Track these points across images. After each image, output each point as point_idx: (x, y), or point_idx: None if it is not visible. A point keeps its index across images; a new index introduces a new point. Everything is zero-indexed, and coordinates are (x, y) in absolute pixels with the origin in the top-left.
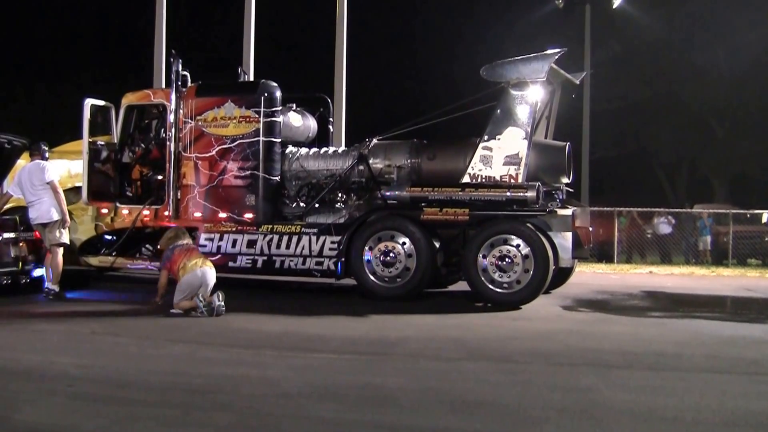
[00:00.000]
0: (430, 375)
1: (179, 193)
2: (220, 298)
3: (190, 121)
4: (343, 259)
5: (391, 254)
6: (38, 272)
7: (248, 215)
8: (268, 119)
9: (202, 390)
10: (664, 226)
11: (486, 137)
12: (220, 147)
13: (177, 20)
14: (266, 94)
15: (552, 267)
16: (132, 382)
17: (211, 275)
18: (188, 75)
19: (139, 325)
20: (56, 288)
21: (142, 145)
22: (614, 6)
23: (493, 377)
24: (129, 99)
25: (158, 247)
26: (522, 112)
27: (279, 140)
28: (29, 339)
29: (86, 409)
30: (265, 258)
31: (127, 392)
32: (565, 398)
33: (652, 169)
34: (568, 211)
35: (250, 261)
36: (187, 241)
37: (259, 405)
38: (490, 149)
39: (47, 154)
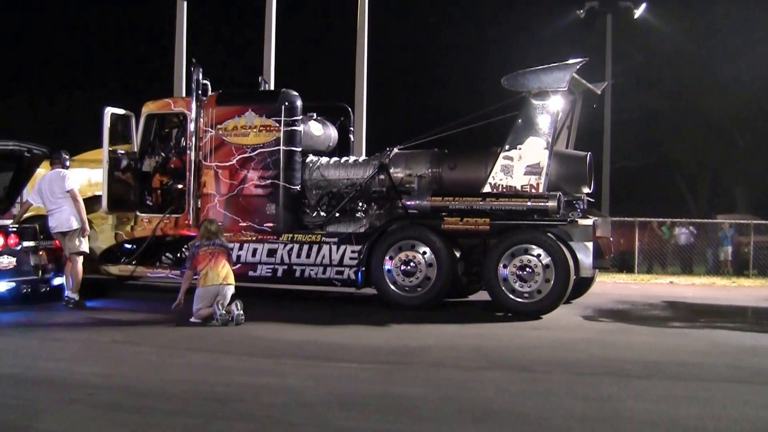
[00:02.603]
0: (451, 384)
1: (199, 202)
2: (239, 307)
3: (210, 129)
4: (363, 269)
5: (412, 264)
6: (58, 281)
7: (269, 224)
8: (289, 128)
9: (223, 399)
10: (685, 236)
11: (507, 147)
12: (240, 156)
13: (198, 29)
14: (287, 103)
15: (573, 277)
16: (152, 390)
17: (228, 290)
18: (209, 84)
19: (159, 333)
20: (76, 296)
21: (163, 153)
22: (636, 16)
23: (513, 386)
24: (149, 107)
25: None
26: (543, 122)
27: (300, 149)
28: (49, 347)
29: (106, 418)
30: (286, 267)
31: (147, 401)
32: (586, 408)
33: (674, 180)
34: (589, 221)
35: (270, 270)
36: (217, 240)
37: (280, 414)
38: (511, 159)
39: (68, 163)
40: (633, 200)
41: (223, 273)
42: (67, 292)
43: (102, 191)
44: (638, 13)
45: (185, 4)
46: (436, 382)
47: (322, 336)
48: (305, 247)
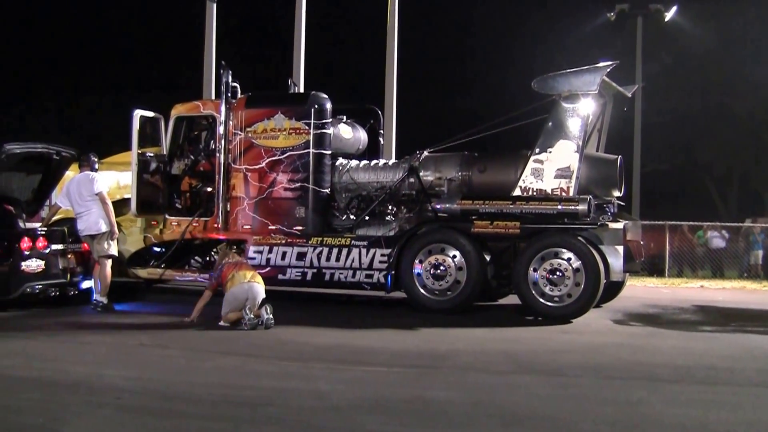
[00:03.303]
0: (480, 388)
1: (228, 205)
2: (269, 311)
3: (239, 132)
4: (393, 272)
5: (442, 267)
6: (86, 284)
7: (298, 227)
8: (318, 131)
9: (251, 403)
10: (716, 239)
11: (537, 150)
12: (269, 159)
13: (227, 32)
14: (316, 106)
15: (603, 281)
16: (180, 394)
17: (258, 289)
18: (238, 86)
19: (187, 337)
20: (104, 300)
21: (192, 156)
22: (666, 19)
23: (543, 391)
24: (178, 110)
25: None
26: (573, 125)
27: (329, 152)
28: (77, 351)
29: (134, 422)
30: (315, 271)
31: (175, 405)
32: (616, 412)
33: (703, 183)
34: (619, 225)
35: (299, 274)
36: (235, 258)
37: (309, 418)
38: (541, 162)
39: (96, 165)
40: (663, 203)
41: (249, 274)
42: (95, 296)
43: (131, 194)
44: (669, 15)
45: (214, 6)
46: (465, 386)
47: (351, 339)
48: (335, 251)
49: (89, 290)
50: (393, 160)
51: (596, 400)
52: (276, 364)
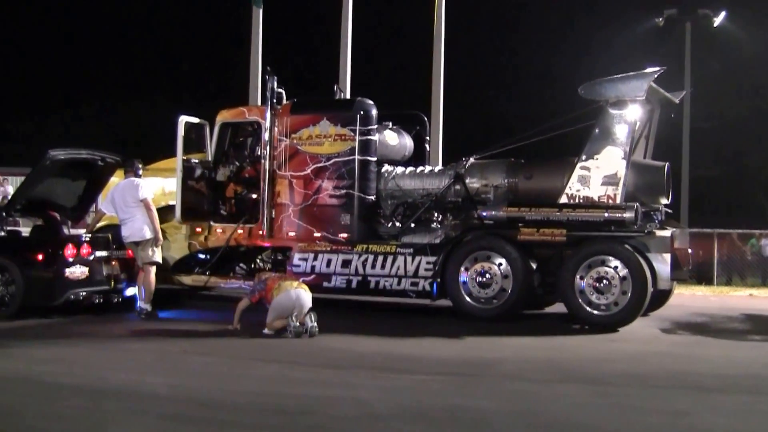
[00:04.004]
0: (524, 397)
1: (273, 212)
2: (313, 319)
3: (284, 138)
4: (438, 280)
5: (487, 275)
6: (130, 291)
7: (343, 234)
8: (364, 137)
9: (293, 411)
10: None
11: (584, 157)
12: (315, 165)
13: (273, 37)
14: (362, 112)
15: (650, 289)
16: (221, 402)
17: (305, 298)
18: (283, 92)
19: (231, 345)
20: (148, 307)
21: (237, 162)
22: (715, 24)
23: (587, 400)
24: (223, 116)
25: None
26: (620, 132)
27: (374, 159)
28: (120, 358)
29: (175, 430)
30: (360, 278)
31: (215, 413)
32: (660, 422)
33: (753, 189)
34: (666, 233)
35: (344, 281)
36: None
37: (350, 427)
38: (588, 169)
39: (141, 172)
40: (711, 210)
41: (296, 282)
42: (139, 303)
43: (175, 200)
44: (718, 21)
45: (261, 12)
46: (508, 395)
47: (395, 348)
48: (380, 258)
49: (133, 297)
50: (439, 167)
51: (640, 409)
52: (319, 372)
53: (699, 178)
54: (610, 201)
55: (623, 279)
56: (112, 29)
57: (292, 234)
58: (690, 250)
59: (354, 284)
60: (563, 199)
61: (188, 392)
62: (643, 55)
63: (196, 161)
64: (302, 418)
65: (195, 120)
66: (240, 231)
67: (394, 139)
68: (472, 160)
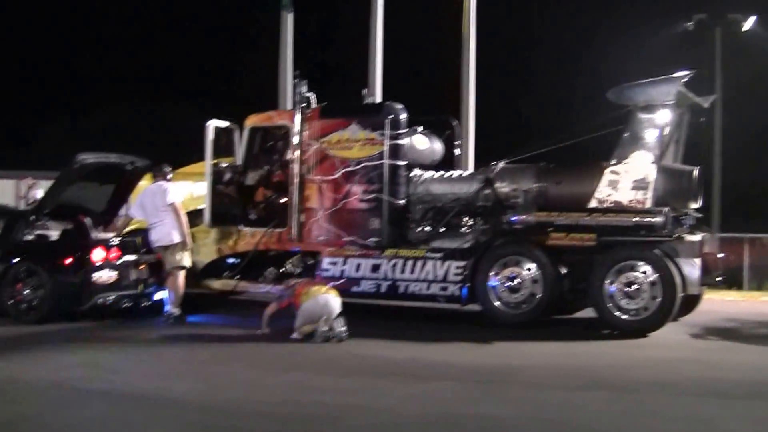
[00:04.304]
0: (552, 405)
1: (302, 216)
2: (342, 324)
3: (313, 143)
4: (468, 285)
5: (517, 280)
6: (159, 295)
7: (372, 239)
8: (393, 142)
9: (320, 419)
10: None
11: (613, 161)
12: (344, 169)
13: (303, 41)
14: (391, 116)
15: (680, 294)
16: (245, 409)
17: (334, 303)
18: (312, 96)
19: (259, 350)
20: (177, 311)
21: (266, 167)
22: (744, 29)
23: (616, 407)
24: (252, 120)
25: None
26: (650, 136)
27: (404, 163)
28: (147, 363)
29: None
30: (389, 283)
31: (239, 421)
32: (688, 429)
33: None
34: (696, 237)
35: (373, 286)
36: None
37: None
38: (618, 173)
39: (170, 176)
40: (744, 215)
41: (324, 288)
42: (168, 307)
43: (204, 205)
44: (747, 25)
45: (291, 16)
46: (536, 402)
47: (423, 353)
48: (409, 263)
49: (162, 301)
50: (468, 172)
51: (669, 416)
52: (346, 378)
53: (731, 182)
54: (640, 206)
55: (653, 284)
56: (145, 33)
57: (321, 238)
58: (720, 255)
59: (383, 289)
60: (593, 204)
61: (214, 399)
62: (672, 60)
63: (226, 165)
64: (328, 427)
65: (224, 124)
66: (269, 235)
67: (423, 144)
68: (501, 164)
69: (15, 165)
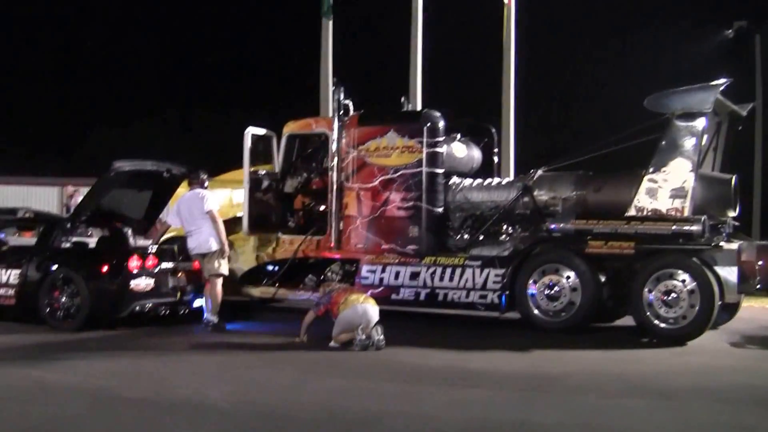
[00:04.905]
0: (591, 412)
1: (341, 224)
2: (380, 332)
3: (352, 150)
4: (507, 293)
5: (556, 288)
6: (197, 303)
7: (411, 247)
8: (431, 149)
9: (356, 425)
10: None
11: (651, 169)
12: (382, 177)
13: (343, 49)
14: (429, 124)
15: (718, 302)
16: (284, 417)
17: (373, 312)
18: (351, 103)
19: (297, 357)
20: (215, 319)
21: (304, 174)
22: None
23: (655, 415)
24: (290, 128)
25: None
26: (688, 144)
27: (442, 171)
28: (185, 371)
29: None
30: (428, 290)
31: (276, 427)
32: None
33: None
34: (734, 246)
35: (412, 293)
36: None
37: None
38: (656, 182)
39: (206, 183)
40: None
41: (362, 296)
42: (206, 315)
43: (243, 212)
44: None
45: (330, 23)
46: (575, 410)
47: (462, 361)
48: (448, 270)
49: (200, 309)
50: (507, 179)
51: (709, 424)
52: (384, 385)
53: None
54: (678, 214)
55: (691, 292)
56: (186, 41)
57: (360, 246)
58: (760, 263)
59: (422, 297)
60: (631, 212)
61: (250, 406)
62: (713, 68)
63: (264, 173)
64: (369, 431)
65: (262, 131)
66: (308, 243)
67: (462, 151)
68: (540, 172)
69: (59, 172)
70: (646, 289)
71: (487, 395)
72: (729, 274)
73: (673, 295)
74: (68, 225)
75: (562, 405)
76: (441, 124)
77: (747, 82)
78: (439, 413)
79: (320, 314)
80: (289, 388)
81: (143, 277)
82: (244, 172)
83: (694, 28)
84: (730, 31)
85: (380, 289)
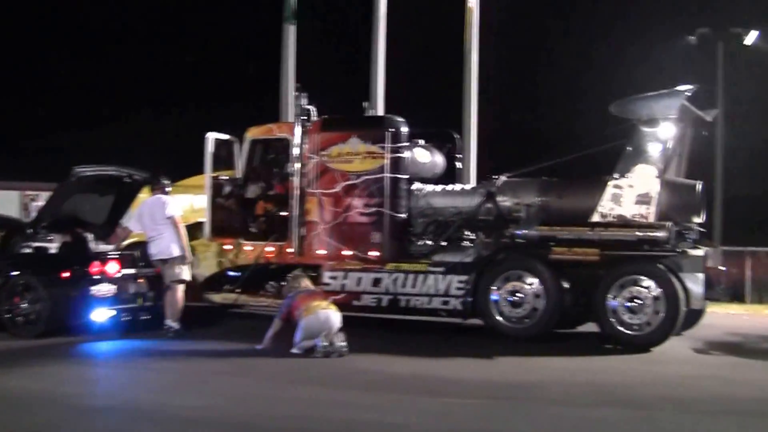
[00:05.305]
0: (559, 422)
1: (303, 230)
2: (342, 339)
3: (314, 156)
4: (470, 299)
5: (519, 294)
6: (158, 309)
7: (373, 253)
8: (394, 155)
9: None
10: None
11: (616, 175)
12: (344, 183)
13: (305, 54)
14: (392, 129)
15: (683, 309)
16: (246, 425)
17: (335, 319)
18: (313, 109)
19: (259, 365)
20: (176, 325)
21: (266, 180)
22: (747, 43)
23: (626, 425)
24: (253, 133)
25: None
26: (653, 150)
27: (405, 176)
28: (145, 378)
29: None
30: (391, 297)
31: None
32: None
33: None
34: (699, 252)
35: (375, 300)
36: (306, 284)
37: None
38: (621, 187)
39: (168, 189)
40: (746, 229)
41: (325, 303)
42: (166, 321)
43: (205, 218)
44: (750, 40)
45: (293, 28)
46: (543, 420)
47: (425, 369)
48: (411, 277)
49: (161, 315)
50: (470, 185)
51: None
52: (348, 394)
53: (734, 197)
54: (643, 220)
55: (656, 299)
56: (146, 45)
57: (322, 252)
58: (724, 269)
59: (384, 303)
60: (596, 218)
61: (211, 414)
62: (675, 74)
63: (226, 178)
64: None
65: (224, 137)
66: (269, 249)
67: (425, 157)
68: (503, 178)
69: (20, 176)
70: (610, 296)
71: (453, 404)
72: (695, 280)
73: (638, 301)
74: (29, 230)
75: (530, 415)
76: (404, 129)
77: (709, 89)
78: (406, 423)
79: (283, 318)
80: (252, 397)
81: (105, 283)
82: (206, 177)
83: (657, 35)
84: (693, 37)
85: (342, 295)
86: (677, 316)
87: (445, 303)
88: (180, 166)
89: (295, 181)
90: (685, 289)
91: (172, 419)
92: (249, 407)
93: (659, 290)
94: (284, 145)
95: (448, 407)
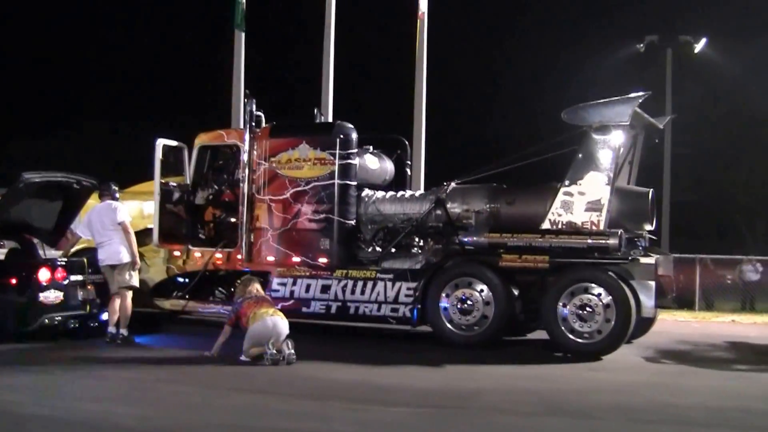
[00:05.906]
0: (510, 431)
1: (252, 236)
2: (290, 346)
3: (263, 162)
4: (419, 306)
5: (469, 301)
6: (106, 316)
7: (322, 259)
8: (344, 161)
9: None
10: (751, 273)
11: (567, 182)
12: (294, 189)
13: (255, 61)
14: (342, 136)
15: (634, 317)
16: None
17: (282, 325)
18: (262, 115)
19: (207, 372)
20: (125, 332)
21: (215, 186)
22: (696, 51)
23: None
24: (202, 139)
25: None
26: (604, 157)
27: (355, 183)
28: (90, 386)
29: None
30: (340, 304)
31: None
32: None
33: (731, 214)
34: (650, 259)
35: (324, 307)
36: (256, 289)
37: None
38: (571, 194)
39: (117, 195)
40: (690, 235)
41: (272, 310)
42: (110, 328)
43: (153, 224)
44: (698, 47)
45: (243, 35)
46: (491, 429)
47: (373, 377)
48: (360, 284)
49: (106, 322)
50: (420, 192)
51: None
52: (294, 402)
53: (679, 203)
54: (594, 227)
55: (607, 306)
56: (93, 52)
57: (270, 259)
58: (672, 276)
59: (333, 310)
60: (546, 225)
61: (157, 424)
62: (625, 81)
63: (175, 185)
64: None
65: (173, 143)
66: (218, 255)
67: (374, 163)
68: (453, 184)
69: None
70: (560, 303)
71: (400, 413)
72: (646, 288)
73: (588, 309)
74: None
75: (479, 424)
76: (353, 136)
77: (657, 96)
78: None
79: (231, 324)
80: (199, 405)
81: (52, 290)
82: (155, 183)
83: (608, 41)
84: (641, 45)
85: (291, 302)
86: (628, 324)
87: (394, 310)
88: (131, 174)
89: (245, 187)
90: (636, 297)
91: (116, 428)
92: (191, 415)
93: (610, 298)
94: (233, 151)
95: (393, 417)
